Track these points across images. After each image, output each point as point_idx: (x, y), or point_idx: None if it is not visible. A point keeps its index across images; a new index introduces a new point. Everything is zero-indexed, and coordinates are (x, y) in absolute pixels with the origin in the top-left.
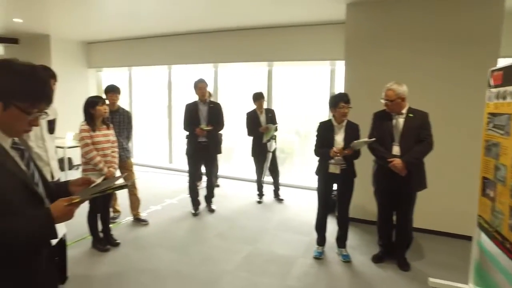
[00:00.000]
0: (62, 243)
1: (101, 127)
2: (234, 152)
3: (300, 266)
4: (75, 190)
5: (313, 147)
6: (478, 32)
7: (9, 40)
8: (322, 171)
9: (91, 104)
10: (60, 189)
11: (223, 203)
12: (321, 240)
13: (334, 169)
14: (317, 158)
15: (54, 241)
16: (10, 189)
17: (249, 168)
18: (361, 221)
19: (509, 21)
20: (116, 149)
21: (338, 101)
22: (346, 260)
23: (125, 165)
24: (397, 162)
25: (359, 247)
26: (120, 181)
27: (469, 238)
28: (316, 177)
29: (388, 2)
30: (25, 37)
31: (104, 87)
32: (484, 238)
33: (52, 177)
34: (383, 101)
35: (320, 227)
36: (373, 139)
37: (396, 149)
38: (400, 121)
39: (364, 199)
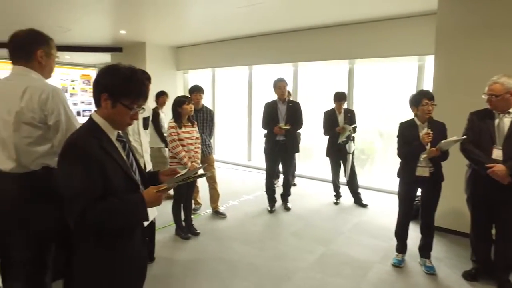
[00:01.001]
0: (152, 226)
1: (186, 124)
2: (311, 152)
3: (376, 272)
4: (164, 179)
5: (396, 149)
6: None
7: (115, 49)
8: (406, 174)
9: (178, 103)
10: (152, 178)
11: (299, 202)
12: (402, 248)
13: (422, 171)
14: (399, 160)
15: (145, 223)
16: (114, 175)
17: (326, 168)
18: (448, 231)
19: None
20: (199, 145)
21: (421, 98)
22: (430, 272)
23: (207, 160)
24: (499, 168)
25: (446, 259)
26: (200, 172)
27: None
28: (398, 179)
29: None
30: (127, 45)
31: (189, 88)
32: None
33: (145, 168)
34: (485, 97)
35: (401, 233)
36: (464, 137)
37: (497, 153)
38: (506, 121)
39: (452, 206)
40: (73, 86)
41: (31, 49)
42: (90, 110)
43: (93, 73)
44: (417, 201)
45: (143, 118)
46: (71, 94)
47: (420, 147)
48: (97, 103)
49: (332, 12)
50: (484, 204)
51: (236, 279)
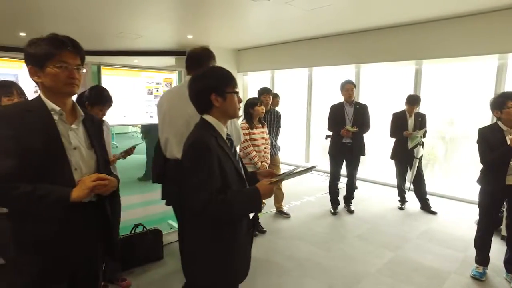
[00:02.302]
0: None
1: (257, 125)
2: (372, 155)
3: (454, 283)
4: (261, 179)
5: (479, 156)
6: None
7: (180, 53)
8: (493, 182)
9: (250, 105)
10: (251, 177)
11: (362, 205)
12: (483, 260)
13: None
14: (481, 168)
15: (251, 215)
16: (229, 170)
17: (387, 172)
18: None
19: None
20: (269, 146)
21: (505, 100)
22: None
23: (273, 161)
24: None
25: None
26: (300, 169)
27: None
28: (480, 187)
29: None
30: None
31: (258, 89)
32: None
33: None
34: None
35: (483, 244)
36: None
37: None
38: None
39: None
40: (157, 89)
41: (204, 63)
42: None
43: (174, 76)
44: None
45: None
46: (155, 96)
47: (510, 153)
48: (206, 107)
49: (399, 11)
50: None
51: (306, 278)
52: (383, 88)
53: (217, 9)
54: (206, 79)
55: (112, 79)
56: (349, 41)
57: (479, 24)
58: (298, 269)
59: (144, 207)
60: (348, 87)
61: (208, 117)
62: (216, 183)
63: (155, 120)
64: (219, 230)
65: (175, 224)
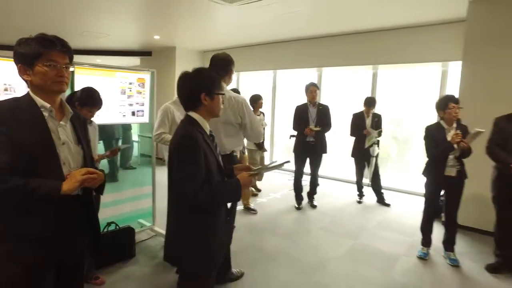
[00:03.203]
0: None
1: None
2: (333, 153)
3: (403, 263)
4: (237, 173)
5: (425, 151)
6: None
7: (145, 53)
8: (435, 173)
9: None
10: (229, 170)
11: (324, 200)
12: (427, 242)
13: (450, 171)
14: (426, 161)
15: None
16: (212, 163)
17: (346, 169)
18: (470, 229)
19: None
20: None
21: (448, 102)
22: (454, 264)
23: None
24: None
25: (469, 254)
26: (276, 163)
27: None
28: (425, 178)
29: None
30: (157, 49)
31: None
32: None
33: None
34: None
35: (427, 228)
36: (483, 130)
37: None
38: None
39: (474, 206)
40: (130, 89)
41: (227, 68)
42: (143, 111)
43: (147, 77)
44: (440, 201)
45: None
46: (128, 96)
47: (450, 148)
48: (194, 104)
49: (360, 19)
50: (509, 204)
51: (276, 267)
52: (343, 90)
53: (185, 11)
54: (200, 80)
55: (88, 79)
56: (313, 46)
57: (426, 35)
58: (268, 260)
59: (114, 206)
60: (312, 89)
61: (194, 114)
62: (202, 175)
63: (128, 120)
64: (201, 218)
65: (146, 223)
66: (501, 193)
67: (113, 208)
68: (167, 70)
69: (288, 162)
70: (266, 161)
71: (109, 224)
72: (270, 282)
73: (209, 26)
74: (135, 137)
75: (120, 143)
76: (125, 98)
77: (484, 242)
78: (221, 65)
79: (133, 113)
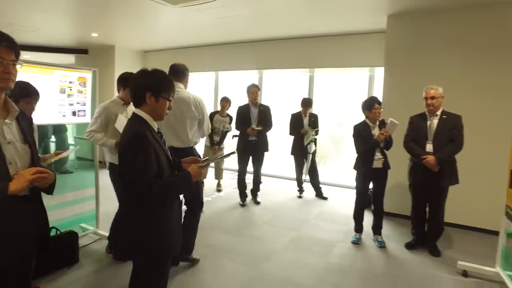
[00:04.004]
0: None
1: None
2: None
3: (340, 249)
4: (186, 166)
5: (355, 147)
6: (510, 41)
7: (81, 51)
8: (364, 167)
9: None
10: (178, 164)
11: (267, 197)
12: (359, 228)
13: (377, 164)
14: (355, 157)
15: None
16: (162, 159)
17: (286, 167)
18: (394, 215)
19: None
20: None
21: (373, 103)
22: (381, 245)
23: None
24: (430, 159)
25: (393, 236)
26: (224, 153)
27: (496, 233)
28: (355, 172)
29: (427, 13)
30: (93, 48)
31: None
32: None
33: None
34: (426, 100)
35: (359, 216)
36: (398, 122)
37: (429, 147)
38: (434, 122)
39: (396, 196)
40: (70, 88)
41: (184, 73)
42: (84, 110)
43: (88, 76)
44: (369, 192)
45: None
46: (69, 95)
47: (376, 144)
48: (140, 101)
49: (295, 25)
50: (421, 189)
51: (224, 260)
52: (282, 92)
53: (126, 9)
54: (151, 79)
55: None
56: (253, 49)
57: (356, 43)
58: (215, 254)
59: (53, 211)
60: (253, 90)
61: (140, 112)
62: (153, 169)
63: (68, 120)
64: (154, 209)
65: (89, 227)
66: (415, 181)
67: (52, 213)
68: (105, 69)
69: (234, 153)
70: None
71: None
72: (220, 274)
73: (151, 26)
74: (81, 138)
75: (52, 145)
76: (64, 98)
77: (404, 225)
78: (179, 71)
79: (73, 113)
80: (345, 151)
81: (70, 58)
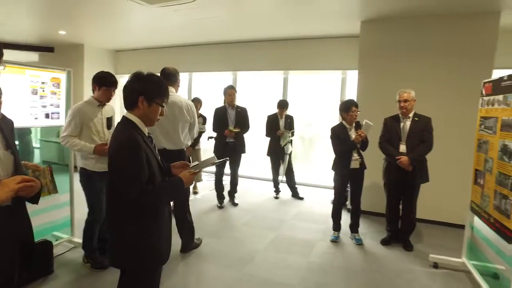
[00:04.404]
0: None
1: None
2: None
3: (320, 247)
4: (176, 172)
5: (333, 148)
6: (476, 47)
7: (46, 48)
8: (342, 167)
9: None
10: (167, 168)
11: (244, 198)
12: (337, 227)
13: (354, 164)
14: (333, 158)
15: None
16: (153, 164)
17: (262, 167)
18: (369, 213)
19: (504, 36)
20: None
21: (350, 106)
22: (359, 243)
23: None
24: (404, 159)
25: (369, 233)
26: (216, 161)
27: (462, 227)
28: (333, 173)
29: (399, 20)
30: (60, 46)
31: None
32: (476, 219)
33: None
34: (399, 103)
35: (337, 215)
36: (371, 123)
37: (402, 148)
38: (407, 123)
39: (371, 195)
40: (43, 89)
41: (176, 78)
42: (58, 113)
43: (63, 76)
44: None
45: (107, 118)
46: (41, 97)
47: (354, 146)
48: (132, 105)
49: (271, 28)
50: (395, 187)
51: (206, 263)
52: (256, 93)
53: (97, 8)
54: (145, 83)
55: None
56: (228, 50)
57: (330, 46)
58: (197, 258)
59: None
60: (230, 92)
61: (131, 116)
62: (145, 175)
63: (41, 123)
64: (145, 216)
65: (62, 235)
66: (389, 180)
67: None
68: (73, 69)
69: (227, 160)
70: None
71: None
72: (204, 278)
73: (123, 25)
74: (48, 141)
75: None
76: (37, 99)
77: (380, 222)
78: (171, 75)
79: (47, 116)
80: (316, 152)
81: (32, 56)
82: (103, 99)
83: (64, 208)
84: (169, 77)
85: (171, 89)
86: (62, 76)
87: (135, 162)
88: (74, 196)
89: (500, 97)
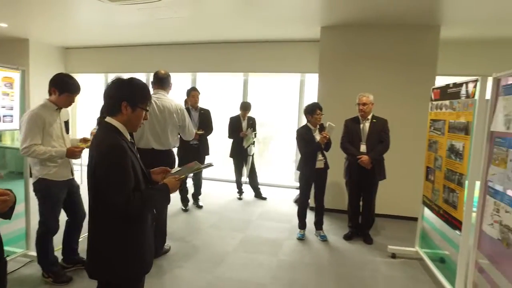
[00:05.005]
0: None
1: None
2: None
3: (287, 246)
4: (156, 178)
5: (299, 150)
6: (421, 56)
7: None
8: (308, 167)
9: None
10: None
11: (208, 200)
12: (303, 225)
13: (319, 164)
14: (299, 158)
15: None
16: (138, 170)
17: (224, 169)
18: (331, 210)
19: (444, 47)
20: None
21: (315, 109)
22: (324, 239)
23: None
24: (365, 158)
25: (332, 230)
26: (200, 166)
27: (416, 219)
28: (299, 173)
29: (355, 27)
30: (1, 40)
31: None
32: (427, 211)
33: (72, 173)
34: (359, 106)
35: (303, 214)
36: (334, 125)
37: (363, 148)
38: (366, 125)
39: (334, 193)
40: None
41: (168, 80)
42: (11, 116)
43: (16, 76)
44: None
45: (64, 122)
46: None
47: (319, 147)
48: (114, 111)
49: (233, 30)
50: (356, 185)
51: (177, 268)
52: (218, 95)
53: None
54: (125, 88)
55: None
56: (188, 51)
57: (290, 50)
58: (169, 263)
59: None
60: (194, 94)
61: (113, 121)
62: (132, 182)
63: None
64: (129, 224)
65: (15, 249)
66: (351, 178)
67: None
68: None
69: (211, 165)
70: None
71: None
72: (177, 283)
73: (76, 21)
74: None
75: None
76: None
77: (341, 219)
78: (164, 79)
79: None
80: (274, 152)
81: None
82: (62, 105)
83: (19, 220)
84: (162, 81)
85: (163, 93)
86: (15, 75)
87: (122, 169)
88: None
89: (447, 102)
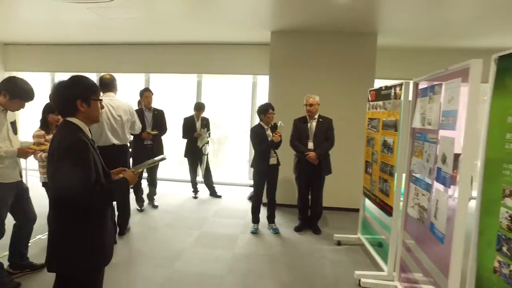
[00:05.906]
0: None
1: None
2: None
3: (242, 240)
4: (114, 176)
5: (254, 147)
6: (360, 61)
7: None
8: (263, 164)
9: (47, 110)
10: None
11: (163, 200)
12: (256, 220)
13: (272, 161)
14: (253, 156)
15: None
16: (98, 166)
17: (178, 169)
18: (282, 205)
19: (381, 53)
20: None
21: (268, 109)
22: (276, 232)
23: None
24: (312, 154)
25: (283, 223)
26: (154, 159)
27: (358, 210)
28: (253, 169)
29: (302, 33)
30: None
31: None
32: (367, 202)
33: (21, 175)
34: (306, 107)
35: (257, 209)
36: (283, 125)
37: (310, 145)
38: (313, 124)
39: (284, 189)
40: None
41: (114, 83)
42: None
43: None
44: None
45: (11, 122)
46: None
47: (273, 145)
48: (71, 111)
49: (186, 32)
50: (305, 180)
51: (136, 266)
52: (171, 95)
53: None
54: (74, 87)
55: None
56: (140, 52)
57: (243, 52)
58: (125, 261)
59: None
60: (147, 95)
61: (74, 120)
62: (94, 176)
63: None
64: (90, 218)
65: None
66: (300, 174)
67: None
68: None
69: (165, 158)
70: None
71: None
72: (135, 280)
73: (14, 13)
74: None
75: None
76: None
77: (292, 212)
78: (109, 83)
79: None
80: (227, 151)
81: None
82: (10, 108)
83: None
84: (108, 86)
85: (111, 95)
86: None
87: (84, 164)
88: None
89: (381, 102)
